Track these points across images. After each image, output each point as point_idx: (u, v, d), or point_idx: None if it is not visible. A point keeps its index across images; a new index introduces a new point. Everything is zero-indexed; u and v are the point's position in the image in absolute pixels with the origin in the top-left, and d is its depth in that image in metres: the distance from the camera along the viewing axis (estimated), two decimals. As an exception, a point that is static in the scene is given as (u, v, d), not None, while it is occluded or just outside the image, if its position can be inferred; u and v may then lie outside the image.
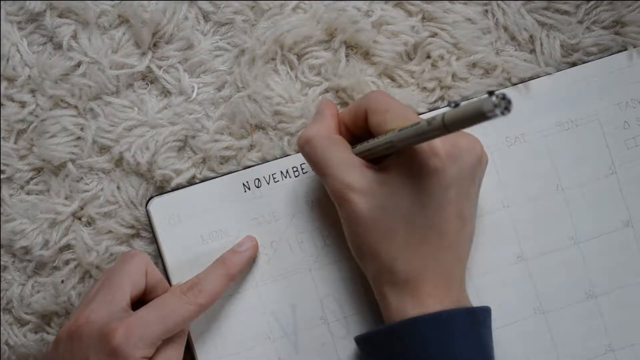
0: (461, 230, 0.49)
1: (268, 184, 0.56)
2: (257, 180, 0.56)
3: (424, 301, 0.47)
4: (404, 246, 0.48)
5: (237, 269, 0.54)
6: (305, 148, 0.51)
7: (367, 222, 0.48)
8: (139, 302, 0.52)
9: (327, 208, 0.56)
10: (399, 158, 0.48)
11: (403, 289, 0.48)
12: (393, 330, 0.48)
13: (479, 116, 0.37)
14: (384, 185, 0.48)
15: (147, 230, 0.57)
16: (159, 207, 0.56)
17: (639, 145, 0.57)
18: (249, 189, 0.56)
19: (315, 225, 0.56)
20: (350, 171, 0.48)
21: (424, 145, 0.47)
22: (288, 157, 0.56)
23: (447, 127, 0.40)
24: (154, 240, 0.56)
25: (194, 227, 0.56)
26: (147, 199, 0.56)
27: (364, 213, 0.48)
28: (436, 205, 0.47)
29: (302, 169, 0.56)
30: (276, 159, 0.57)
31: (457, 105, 0.40)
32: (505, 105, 0.36)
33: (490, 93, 0.36)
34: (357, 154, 0.50)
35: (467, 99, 0.57)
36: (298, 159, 0.56)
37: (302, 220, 0.56)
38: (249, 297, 0.56)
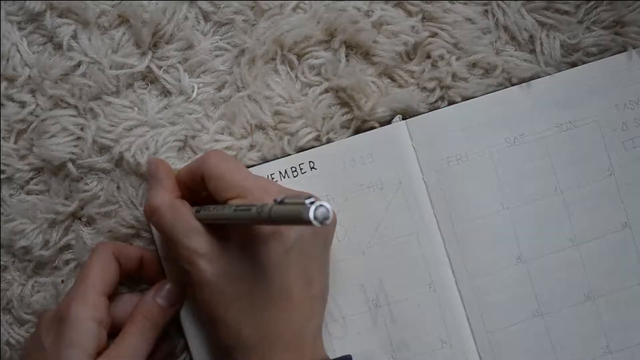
0: (308, 291, 0.50)
1: (267, 185, 0.56)
2: (255, 182, 0.56)
3: None
4: (249, 311, 0.48)
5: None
6: (152, 219, 0.51)
7: (212, 288, 0.48)
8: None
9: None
10: (239, 225, 0.49)
11: (251, 355, 0.48)
12: None
13: (299, 221, 0.39)
14: (227, 250, 0.49)
15: (147, 230, 0.57)
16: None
17: (637, 146, 0.57)
18: (247, 190, 0.56)
19: (314, 226, 0.56)
20: (196, 238, 0.49)
21: None
22: (286, 157, 0.56)
23: (274, 221, 0.42)
24: (153, 240, 0.56)
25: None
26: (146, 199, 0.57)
27: (209, 278, 0.48)
28: (278, 269, 0.48)
29: (300, 169, 0.56)
30: (276, 158, 0.57)
31: (282, 202, 0.42)
32: (323, 217, 0.38)
33: (311, 202, 0.39)
34: (199, 219, 0.50)
35: (469, 99, 0.57)
36: (296, 160, 0.56)
37: (301, 222, 0.56)
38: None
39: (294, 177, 0.56)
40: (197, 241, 0.49)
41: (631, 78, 0.57)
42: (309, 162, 0.56)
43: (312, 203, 0.38)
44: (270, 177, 0.56)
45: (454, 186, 0.56)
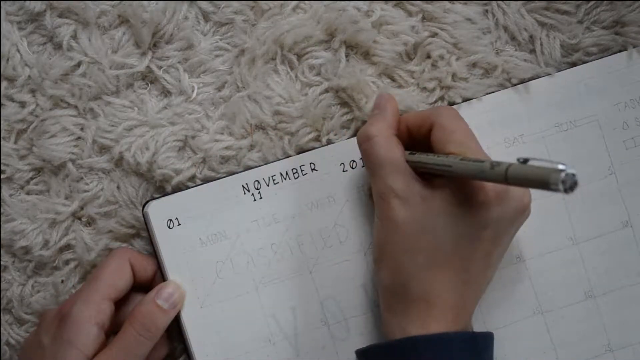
0: (483, 271, 0.50)
1: (268, 186, 0.56)
2: (256, 182, 0.56)
3: (428, 324, 0.48)
4: (424, 266, 0.48)
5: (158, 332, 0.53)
6: (364, 145, 0.51)
7: (398, 230, 0.48)
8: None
9: (327, 210, 0.56)
10: (448, 181, 0.48)
11: (411, 307, 0.48)
12: (394, 347, 0.48)
13: (541, 184, 0.36)
14: (426, 201, 0.48)
15: (146, 230, 0.57)
16: (156, 210, 0.56)
17: (638, 145, 0.57)
18: (248, 190, 0.56)
19: (315, 227, 0.56)
20: (399, 177, 0.49)
21: None
22: (287, 159, 0.56)
23: (508, 179, 0.39)
24: (152, 241, 0.56)
25: (192, 230, 0.56)
26: (145, 201, 0.56)
27: (399, 221, 0.48)
28: (468, 238, 0.48)
29: (301, 171, 0.56)
30: (277, 159, 0.57)
31: (525, 161, 0.40)
32: (570, 185, 0.35)
33: (561, 169, 0.35)
34: (411, 162, 0.50)
35: (469, 99, 0.57)
36: (298, 161, 0.56)
37: (302, 222, 0.56)
38: (249, 300, 0.56)
39: (295, 178, 0.56)
40: (399, 180, 0.49)
41: (631, 77, 0.57)
42: (310, 163, 0.56)
43: (562, 169, 0.35)
44: (271, 179, 0.56)
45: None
